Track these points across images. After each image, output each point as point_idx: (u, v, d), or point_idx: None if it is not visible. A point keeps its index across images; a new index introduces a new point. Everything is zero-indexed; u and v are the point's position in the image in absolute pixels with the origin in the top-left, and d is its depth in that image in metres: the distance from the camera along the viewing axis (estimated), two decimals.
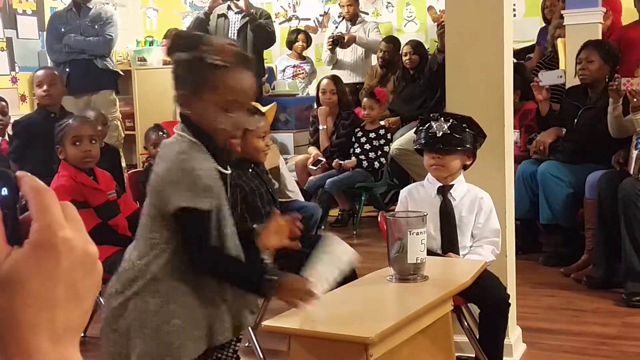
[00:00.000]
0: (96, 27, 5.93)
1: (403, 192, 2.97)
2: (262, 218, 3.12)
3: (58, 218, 0.62)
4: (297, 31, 7.58)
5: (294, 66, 7.42)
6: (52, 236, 0.61)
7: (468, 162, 2.90)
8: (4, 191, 0.63)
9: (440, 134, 2.82)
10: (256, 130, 3.21)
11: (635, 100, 4.12)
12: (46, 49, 6.35)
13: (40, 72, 4.90)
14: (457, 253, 2.81)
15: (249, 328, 3.09)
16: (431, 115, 2.91)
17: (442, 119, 2.84)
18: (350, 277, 3.05)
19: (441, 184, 2.88)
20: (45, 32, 6.53)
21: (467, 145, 2.84)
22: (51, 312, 0.61)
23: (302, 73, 7.41)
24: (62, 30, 5.91)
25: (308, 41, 7.47)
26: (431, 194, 2.88)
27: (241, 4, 6.10)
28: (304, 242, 3.13)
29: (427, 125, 2.88)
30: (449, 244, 2.83)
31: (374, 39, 6.99)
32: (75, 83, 5.79)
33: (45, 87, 4.74)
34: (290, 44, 7.48)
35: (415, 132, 3.01)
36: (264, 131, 3.26)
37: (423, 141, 2.89)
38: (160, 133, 4.72)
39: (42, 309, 0.60)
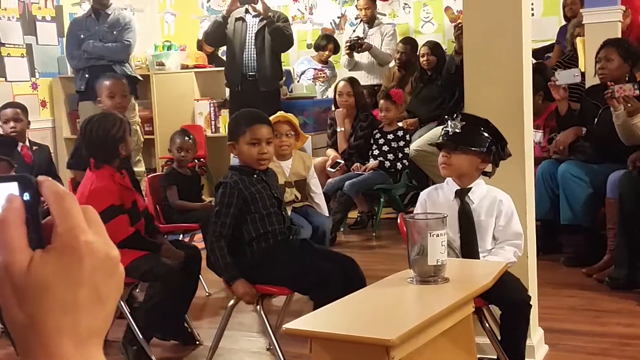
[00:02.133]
0: (114, 32, 5.97)
1: (422, 195, 2.96)
2: (264, 219, 3.13)
3: (80, 222, 0.62)
4: (327, 38, 7.54)
5: (315, 69, 7.43)
6: (75, 240, 0.61)
7: (482, 167, 2.86)
8: (26, 196, 0.63)
9: (452, 132, 2.81)
10: (243, 137, 3.13)
11: (629, 105, 4.10)
12: (66, 55, 6.40)
13: (109, 82, 4.76)
14: (477, 256, 2.79)
15: (270, 331, 3.10)
16: (452, 115, 2.90)
17: (459, 118, 2.83)
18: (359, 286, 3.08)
19: (459, 187, 2.86)
20: (64, 39, 6.59)
21: (477, 147, 2.81)
22: (74, 316, 0.61)
23: (323, 76, 7.42)
24: (81, 36, 5.96)
25: (335, 50, 7.46)
26: (450, 197, 2.87)
27: (259, 7, 6.11)
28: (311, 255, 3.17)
29: (445, 125, 2.88)
30: (469, 247, 2.81)
31: (386, 53, 7.01)
32: (95, 89, 5.82)
33: (117, 99, 4.71)
34: (317, 48, 7.47)
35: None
36: (254, 137, 3.13)
37: (438, 139, 2.89)
38: (187, 138, 4.73)
39: (66, 313, 0.61)
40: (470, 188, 2.86)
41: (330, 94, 7.26)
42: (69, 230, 0.61)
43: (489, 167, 2.90)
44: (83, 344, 0.61)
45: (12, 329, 0.62)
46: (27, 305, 0.60)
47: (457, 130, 2.81)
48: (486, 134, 2.82)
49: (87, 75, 5.90)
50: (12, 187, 0.63)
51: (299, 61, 7.74)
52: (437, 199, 2.90)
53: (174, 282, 3.32)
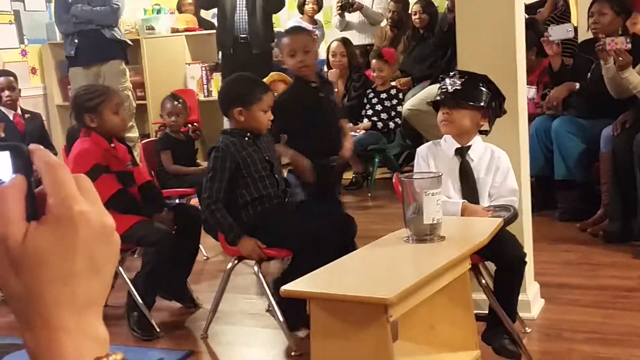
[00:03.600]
0: None
1: (422, 151, 2.94)
2: (257, 183, 3.15)
3: (73, 192, 0.62)
4: None
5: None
6: (69, 210, 0.61)
7: (482, 123, 2.87)
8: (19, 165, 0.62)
9: (452, 89, 2.80)
10: (259, 103, 3.20)
11: (620, 59, 4.08)
12: (54, 20, 6.33)
13: (287, 40, 4.29)
14: None
15: (269, 293, 3.13)
16: (448, 73, 2.90)
17: (457, 75, 2.82)
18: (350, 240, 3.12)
19: (459, 145, 2.86)
20: (52, 4, 6.51)
21: (478, 102, 2.81)
22: (72, 285, 0.61)
23: (315, 37, 7.36)
24: (69, 0, 5.88)
25: (319, 3, 7.40)
26: (449, 154, 2.87)
27: None
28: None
29: (442, 83, 2.87)
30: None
31: (377, 13, 6.95)
32: (84, 54, 5.79)
33: (299, 57, 4.32)
34: (300, 8, 7.42)
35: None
36: (268, 105, 3.24)
37: (437, 98, 2.88)
38: (176, 102, 4.72)
39: (63, 283, 0.61)
40: (470, 146, 2.86)
41: (320, 54, 7.21)
42: (62, 200, 0.61)
43: (485, 125, 2.90)
44: (81, 313, 0.62)
45: (10, 301, 0.62)
46: (24, 277, 0.60)
47: (457, 87, 2.80)
48: (485, 90, 2.82)
49: (76, 40, 5.84)
50: (4, 157, 0.62)
51: (289, 23, 7.67)
52: (437, 155, 2.89)
53: (168, 246, 3.35)
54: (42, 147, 0.64)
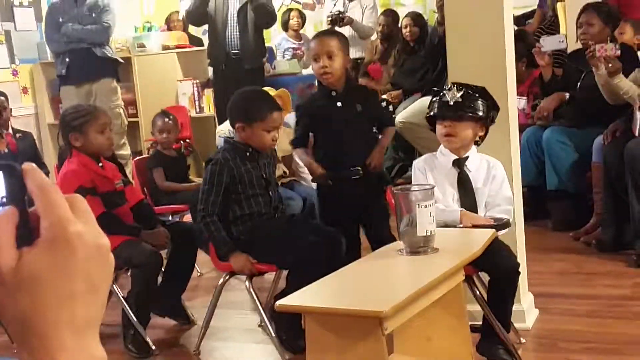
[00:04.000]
0: (93, 15, 5.90)
1: (418, 163, 2.95)
2: (249, 200, 3.14)
3: (67, 213, 0.62)
4: (290, 9, 7.56)
5: (294, 48, 7.41)
6: (64, 232, 0.61)
7: (481, 134, 2.88)
8: (11, 185, 0.63)
9: (453, 102, 2.81)
10: (262, 122, 3.15)
11: (610, 65, 4.11)
12: (45, 40, 6.34)
13: (313, 43, 4.01)
14: None
15: (260, 308, 3.12)
16: (442, 86, 2.90)
17: (455, 88, 2.83)
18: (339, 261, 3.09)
19: (456, 157, 2.87)
20: (43, 23, 6.52)
21: (480, 114, 2.83)
22: (71, 306, 0.61)
23: (302, 54, 7.40)
24: (60, 20, 5.89)
25: (302, 18, 7.45)
26: (447, 166, 2.88)
27: None
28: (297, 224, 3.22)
29: (439, 95, 2.87)
30: None
31: (367, 27, 6.99)
32: (76, 72, 5.79)
33: (322, 62, 4.18)
34: (285, 24, 7.46)
35: (428, 107, 2.98)
36: (274, 125, 3.17)
37: (435, 111, 2.88)
38: (167, 119, 4.72)
39: (63, 305, 0.61)
40: (467, 157, 2.87)
41: (310, 70, 7.23)
42: (57, 222, 0.61)
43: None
44: (81, 334, 0.62)
45: (8, 325, 0.62)
46: (23, 301, 0.60)
47: (458, 100, 2.80)
48: (484, 101, 2.83)
49: (67, 60, 5.85)
50: None
51: (276, 40, 7.71)
52: (435, 167, 2.90)
53: (154, 267, 3.33)
54: (35, 165, 0.64)
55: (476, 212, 2.82)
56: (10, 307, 0.61)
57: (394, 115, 5.88)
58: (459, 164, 2.86)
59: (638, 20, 5.04)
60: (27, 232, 0.62)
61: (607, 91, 4.30)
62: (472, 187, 2.84)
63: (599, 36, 4.54)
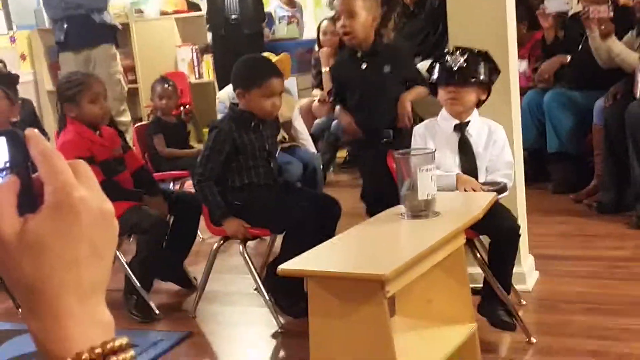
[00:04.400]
0: None
1: (419, 129, 2.94)
2: (250, 170, 3.14)
3: (70, 179, 0.62)
4: None
5: (288, 16, 7.35)
6: (68, 197, 0.61)
7: (483, 97, 2.87)
8: (15, 152, 0.63)
9: (456, 67, 2.79)
10: (260, 89, 3.12)
11: (602, 27, 4.08)
12: (43, 6, 6.28)
13: (335, 1, 3.94)
14: None
15: (255, 272, 3.15)
16: (443, 51, 2.88)
17: (458, 52, 2.81)
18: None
19: (457, 121, 2.86)
20: None
21: (483, 78, 2.81)
22: (76, 272, 0.62)
23: (296, 21, 7.34)
24: None
25: None
26: (448, 131, 2.87)
27: None
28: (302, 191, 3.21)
29: (441, 60, 2.85)
30: None
31: None
32: (74, 39, 5.75)
33: (342, 22, 4.06)
34: None
35: (427, 70, 2.96)
36: (273, 91, 3.13)
37: (437, 75, 2.86)
38: (166, 85, 4.70)
39: (68, 270, 0.61)
40: (469, 122, 2.86)
41: (309, 35, 7.19)
42: (60, 187, 0.61)
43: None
44: (87, 298, 0.62)
45: (14, 291, 0.62)
46: (28, 267, 0.60)
47: (462, 65, 2.78)
48: (487, 65, 2.82)
49: (65, 26, 5.80)
50: (0, 142, 0.63)
51: (271, 6, 7.65)
52: (436, 133, 2.89)
53: (161, 233, 3.36)
54: (37, 131, 0.64)
55: (476, 176, 2.82)
56: (16, 274, 0.61)
57: None
58: (461, 128, 2.86)
59: None
60: (31, 199, 0.62)
61: (599, 54, 4.28)
62: (473, 151, 2.84)
63: None
